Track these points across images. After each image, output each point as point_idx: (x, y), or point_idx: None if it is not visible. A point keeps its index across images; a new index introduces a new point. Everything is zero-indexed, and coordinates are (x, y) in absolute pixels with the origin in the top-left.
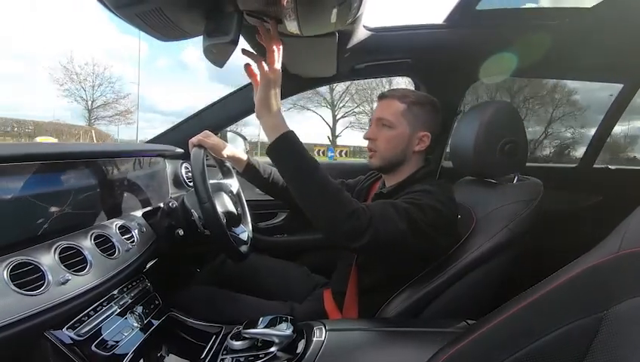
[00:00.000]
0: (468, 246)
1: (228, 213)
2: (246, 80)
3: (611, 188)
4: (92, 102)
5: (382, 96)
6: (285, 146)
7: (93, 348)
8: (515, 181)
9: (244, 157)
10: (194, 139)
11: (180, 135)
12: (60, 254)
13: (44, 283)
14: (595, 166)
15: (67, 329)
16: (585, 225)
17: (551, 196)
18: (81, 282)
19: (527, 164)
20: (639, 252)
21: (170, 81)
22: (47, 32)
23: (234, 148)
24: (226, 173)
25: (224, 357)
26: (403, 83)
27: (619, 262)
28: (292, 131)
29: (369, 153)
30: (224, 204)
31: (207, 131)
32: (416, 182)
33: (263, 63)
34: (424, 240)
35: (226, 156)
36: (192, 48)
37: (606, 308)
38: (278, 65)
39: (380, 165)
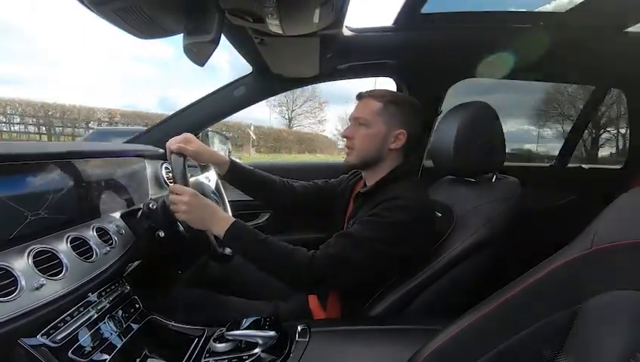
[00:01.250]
0: (448, 244)
1: None
2: None
3: (584, 187)
4: (292, 111)
5: (360, 96)
6: (233, 235)
7: (70, 354)
8: (493, 180)
9: (226, 160)
10: (173, 146)
11: (161, 134)
12: (34, 258)
13: (16, 288)
14: (569, 165)
15: (42, 335)
16: (559, 223)
17: (527, 194)
18: (56, 287)
19: (505, 164)
20: (610, 248)
21: (194, 81)
22: None
23: (215, 150)
24: (204, 167)
25: (207, 359)
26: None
27: (591, 258)
28: (235, 220)
29: (346, 151)
30: None
31: (187, 136)
32: (394, 181)
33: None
34: (393, 258)
35: (208, 162)
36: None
37: (579, 302)
38: (183, 207)
39: (355, 162)
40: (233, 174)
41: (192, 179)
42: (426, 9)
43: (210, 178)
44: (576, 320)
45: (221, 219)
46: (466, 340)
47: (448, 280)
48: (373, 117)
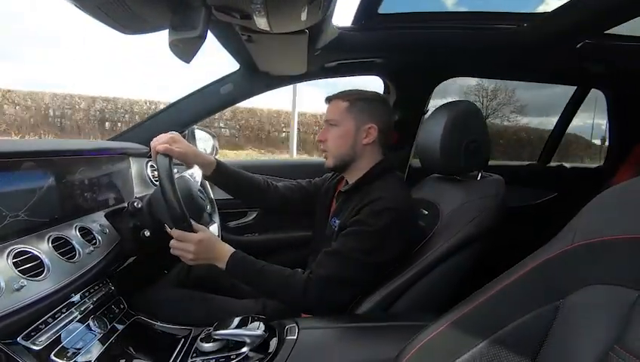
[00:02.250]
0: (435, 241)
1: (200, 217)
2: None
3: (565, 185)
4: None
5: (328, 100)
6: (233, 267)
7: (52, 357)
8: (478, 178)
9: (212, 160)
10: (159, 147)
11: (146, 132)
12: (13, 259)
13: None
14: (550, 164)
15: (22, 338)
16: (542, 220)
17: (511, 192)
18: (37, 288)
19: (489, 162)
20: (591, 243)
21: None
22: None
23: (201, 149)
24: None
25: (194, 359)
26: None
27: (573, 253)
28: (235, 252)
29: (323, 155)
30: (197, 208)
31: (174, 135)
32: (375, 179)
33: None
34: (383, 263)
35: (193, 163)
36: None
37: (562, 297)
38: (190, 256)
39: (334, 165)
40: (219, 175)
41: (177, 176)
42: (384, 9)
43: (194, 173)
44: (558, 314)
45: (222, 254)
46: (453, 335)
47: (435, 276)
48: (342, 116)
